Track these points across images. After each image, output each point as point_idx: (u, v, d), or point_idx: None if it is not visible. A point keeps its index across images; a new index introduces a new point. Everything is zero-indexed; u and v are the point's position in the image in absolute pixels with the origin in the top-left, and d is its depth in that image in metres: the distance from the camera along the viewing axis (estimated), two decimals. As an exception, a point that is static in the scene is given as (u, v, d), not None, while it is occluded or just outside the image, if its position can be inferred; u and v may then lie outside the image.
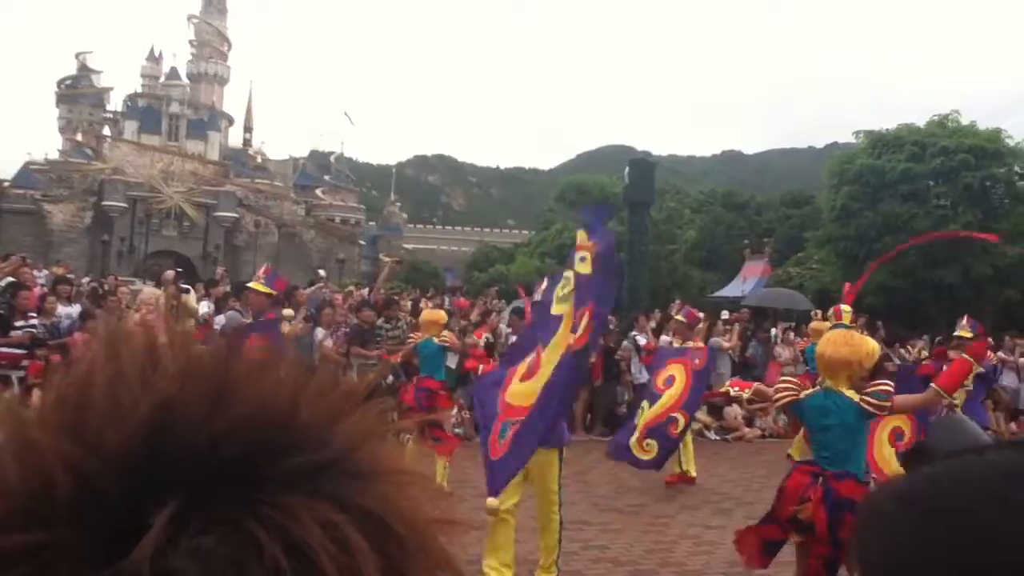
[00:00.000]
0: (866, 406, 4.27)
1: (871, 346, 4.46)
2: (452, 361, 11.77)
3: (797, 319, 17.94)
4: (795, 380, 4.88)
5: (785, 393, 4.61)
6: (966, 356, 5.21)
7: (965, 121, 28.95)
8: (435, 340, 8.49)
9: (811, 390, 4.52)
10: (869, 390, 4.32)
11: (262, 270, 8.74)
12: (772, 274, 32.11)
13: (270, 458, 0.39)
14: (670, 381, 8.76)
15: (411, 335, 9.32)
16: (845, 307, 6.81)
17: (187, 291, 10.92)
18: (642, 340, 13.37)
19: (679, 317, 10.66)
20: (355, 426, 0.42)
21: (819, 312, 10.33)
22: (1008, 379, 13.37)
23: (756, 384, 5.44)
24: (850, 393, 4.32)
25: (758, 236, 38.75)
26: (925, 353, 12.92)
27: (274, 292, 8.05)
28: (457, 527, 0.43)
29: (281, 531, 0.36)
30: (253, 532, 0.36)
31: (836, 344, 4.42)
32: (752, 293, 25.23)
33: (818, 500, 4.21)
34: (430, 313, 9.30)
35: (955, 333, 9.42)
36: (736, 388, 5.50)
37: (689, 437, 9.94)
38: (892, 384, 4.50)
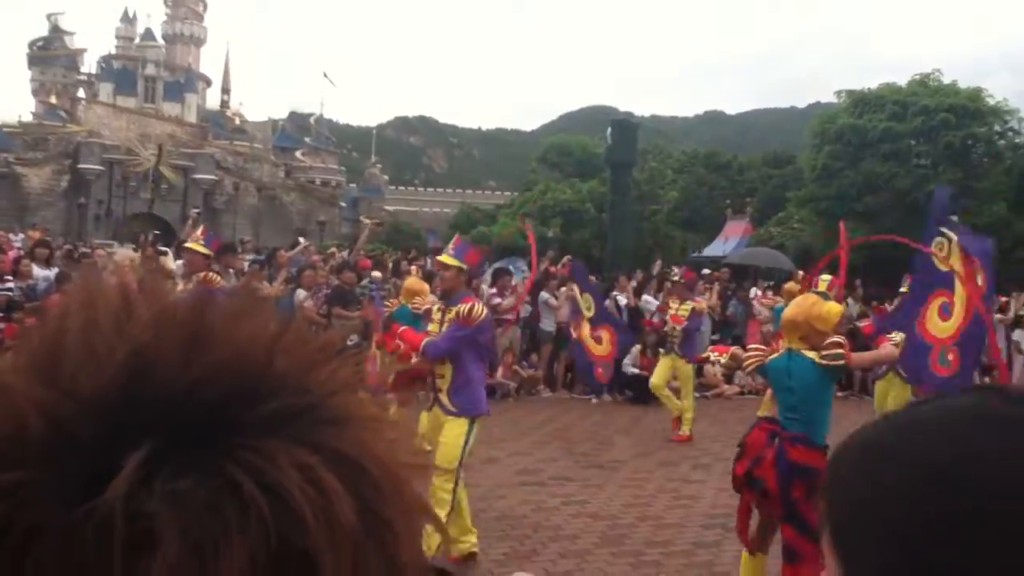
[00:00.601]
0: (823, 366, 4.37)
1: (825, 309, 4.51)
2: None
3: (778, 278, 18.03)
4: (764, 347, 5.07)
5: (753, 358, 4.78)
6: None
7: (947, 80, 28.97)
8: (410, 307, 8.09)
9: (777, 353, 4.63)
10: (823, 351, 4.39)
11: (199, 230, 8.73)
12: (754, 234, 32.22)
13: (246, 404, 0.39)
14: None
15: (387, 303, 9.03)
16: (824, 276, 6.86)
17: (164, 253, 10.85)
18: (623, 300, 13.41)
19: (676, 278, 10.78)
20: (330, 375, 0.43)
21: (800, 273, 10.35)
22: None
23: (733, 349, 5.48)
24: (811, 354, 4.40)
25: (740, 196, 38.80)
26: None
27: (210, 252, 8.01)
28: (429, 472, 0.44)
29: (257, 473, 0.37)
30: (230, 475, 0.36)
31: (792, 306, 4.64)
32: (734, 253, 25.33)
33: (770, 461, 4.31)
34: (414, 282, 8.92)
35: (900, 290, 9.68)
36: (716, 353, 5.55)
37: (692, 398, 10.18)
38: (844, 341, 4.56)
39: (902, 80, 29.58)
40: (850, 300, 14.31)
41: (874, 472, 0.61)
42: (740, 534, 4.65)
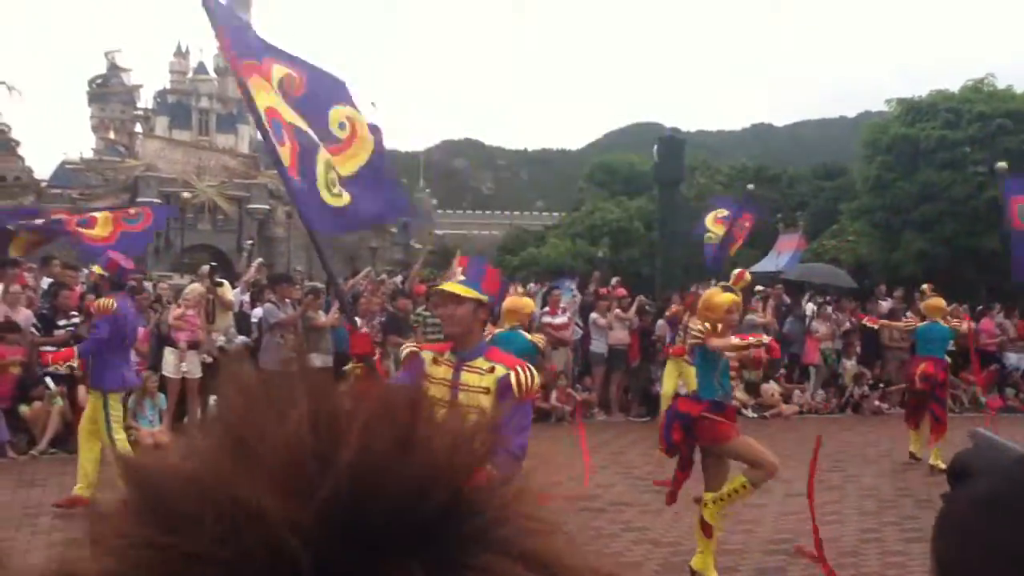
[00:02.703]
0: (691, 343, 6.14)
1: (716, 299, 5.75)
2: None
3: (835, 295, 17.70)
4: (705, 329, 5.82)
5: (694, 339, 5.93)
6: None
7: (1001, 85, 28.33)
8: (524, 334, 7.29)
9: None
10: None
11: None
12: (807, 248, 31.74)
13: (460, 517, 0.39)
14: None
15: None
16: (748, 275, 7.14)
17: (221, 284, 11.07)
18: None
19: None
20: (515, 483, 0.43)
21: (928, 287, 10.78)
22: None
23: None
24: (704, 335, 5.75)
25: (791, 209, 38.26)
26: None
27: (105, 273, 7.41)
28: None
29: None
30: None
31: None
32: (788, 267, 25.01)
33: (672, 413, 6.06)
34: (515, 300, 7.85)
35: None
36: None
37: None
38: (709, 329, 5.69)
39: (954, 86, 28.97)
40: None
41: (988, 527, 0.61)
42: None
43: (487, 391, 3.48)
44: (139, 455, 0.43)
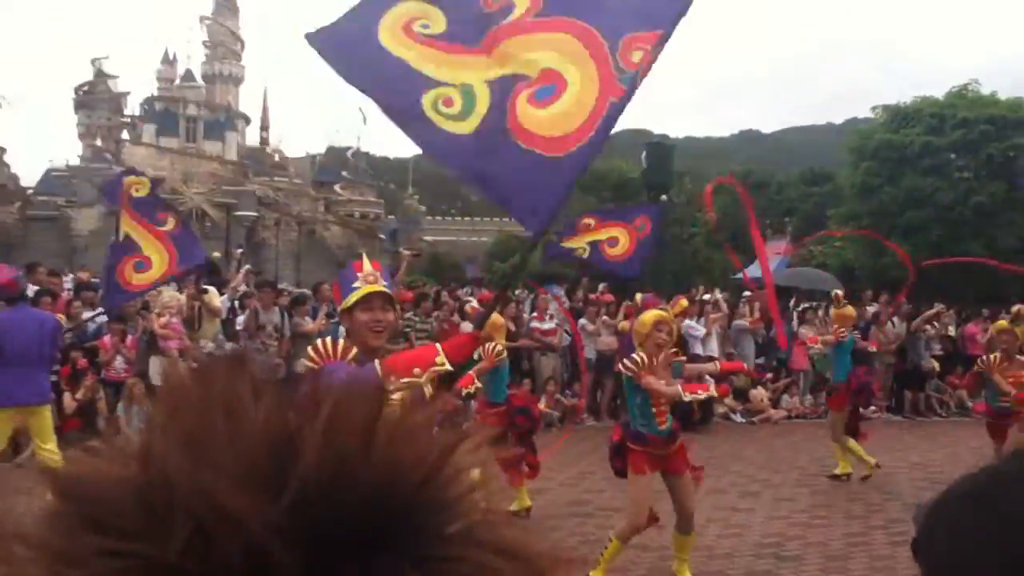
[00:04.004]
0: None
1: (640, 320, 5.71)
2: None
3: (820, 299, 17.78)
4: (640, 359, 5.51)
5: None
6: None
7: (985, 91, 28.57)
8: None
9: None
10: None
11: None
12: (794, 253, 31.86)
13: (434, 509, 0.40)
14: None
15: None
16: (683, 301, 7.05)
17: (206, 291, 11.01)
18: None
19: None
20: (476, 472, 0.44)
21: (839, 294, 10.14)
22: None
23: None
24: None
25: (779, 215, 38.43)
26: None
27: None
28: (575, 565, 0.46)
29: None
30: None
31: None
32: (776, 273, 25.05)
33: None
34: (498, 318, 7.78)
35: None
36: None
37: None
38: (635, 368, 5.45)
39: (939, 93, 29.19)
40: (895, 320, 14.11)
41: (976, 522, 0.61)
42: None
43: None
44: (66, 465, 0.40)
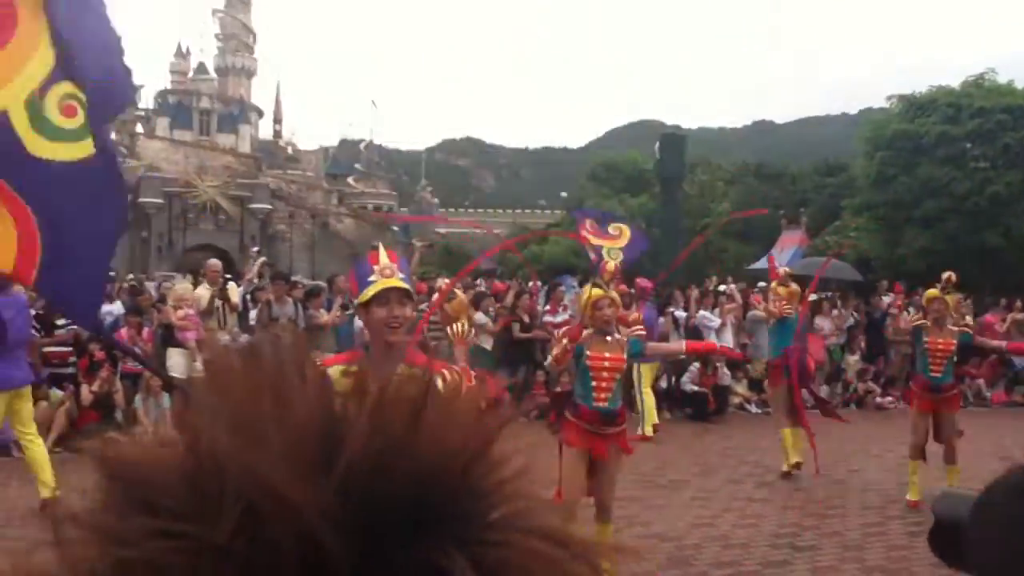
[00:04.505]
0: None
1: (582, 299, 5.64)
2: (488, 343, 11.85)
3: (835, 289, 17.71)
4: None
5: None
6: None
7: (1002, 80, 28.30)
8: None
9: None
10: None
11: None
12: (810, 244, 31.71)
13: (479, 495, 0.40)
14: None
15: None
16: (609, 266, 6.94)
17: (226, 285, 11.06)
18: (680, 314, 13.31)
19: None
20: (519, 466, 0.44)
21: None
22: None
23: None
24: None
25: (794, 206, 38.23)
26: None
27: None
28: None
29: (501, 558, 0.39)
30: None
31: None
32: (790, 263, 24.99)
33: None
34: (462, 297, 8.45)
35: None
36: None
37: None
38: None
39: (955, 82, 28.93)
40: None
41: None
42: None
43: None
44: (115, 447, 0.41)
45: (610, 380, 5.39)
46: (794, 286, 9.44)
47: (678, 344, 7.30)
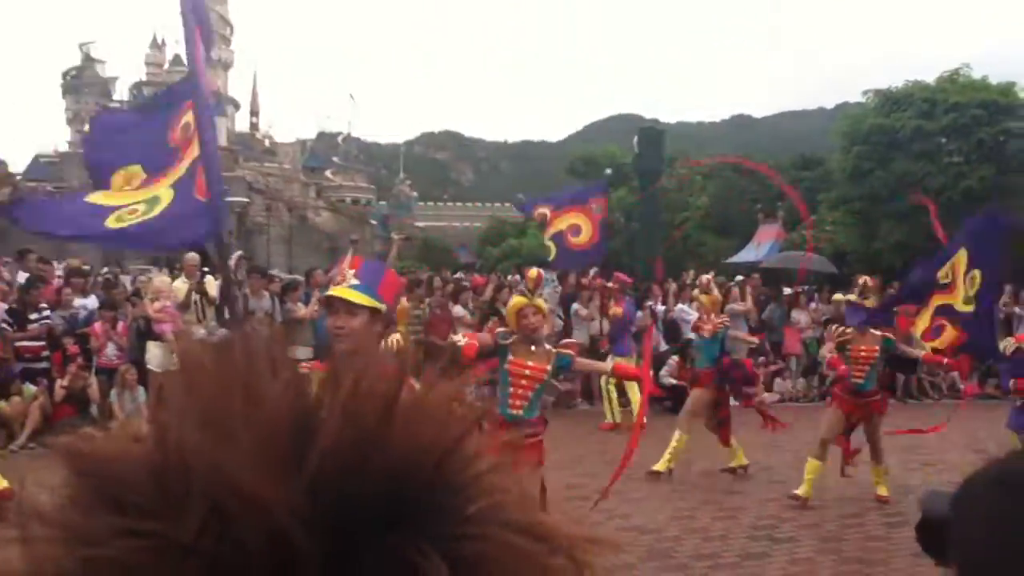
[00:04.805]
0: None
1: (507, 310, 5.52)
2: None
3: (812, 282, 17.85)
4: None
5: None
6: None
7: (976, 75, 28.58)
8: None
9: None
10: None
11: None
12: (787, 238, 31.94)
13: (454, 489, 0.40)
14: None
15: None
16: (532, 272, 6.78)
17: (204, 279, 10.95)
18: (660, 308, 13.36)
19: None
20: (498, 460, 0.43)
21: (707, 278, 10.08)
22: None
23: None
24: None
25: (771, 200, 38.45)
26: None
27: None
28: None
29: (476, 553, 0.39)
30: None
31: None
32: (767, 257, 25.18)
33: None
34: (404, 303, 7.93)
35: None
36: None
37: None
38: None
39: (930, 77, 29.18)
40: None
41: (1011, 510, 0.61)
42: None
43: None
44: (82, 443, 0.40)
45: (528, 389, 5.18)
46: (716, 294, 9.44)
47: (605, 364, 7.21)
